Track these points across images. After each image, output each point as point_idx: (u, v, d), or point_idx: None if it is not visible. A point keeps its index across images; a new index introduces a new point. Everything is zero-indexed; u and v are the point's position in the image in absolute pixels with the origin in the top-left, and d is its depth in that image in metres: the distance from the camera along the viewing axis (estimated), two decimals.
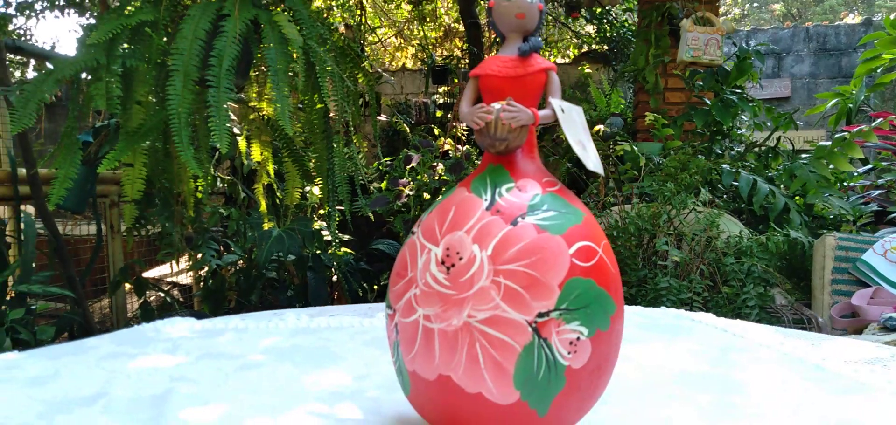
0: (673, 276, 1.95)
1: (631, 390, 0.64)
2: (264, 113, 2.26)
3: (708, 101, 2.83)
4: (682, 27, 2.65)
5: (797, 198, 2.42)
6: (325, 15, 1.99)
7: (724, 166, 2.49)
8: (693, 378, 0.68)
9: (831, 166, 2.48)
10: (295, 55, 1.62)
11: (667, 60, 2.94)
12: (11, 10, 1.76)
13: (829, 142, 2.54)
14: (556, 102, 0.52)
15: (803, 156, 2.62)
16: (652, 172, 2.41)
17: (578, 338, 0.45)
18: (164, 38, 1.68)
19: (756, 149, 2.84)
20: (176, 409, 0.55)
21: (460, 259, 0.46)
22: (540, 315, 0.44)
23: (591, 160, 0.52)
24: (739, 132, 2.99)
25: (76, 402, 0.56)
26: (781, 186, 2.50)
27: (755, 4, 11.99)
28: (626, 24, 4.56)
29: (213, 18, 1.61)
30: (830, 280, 1.93)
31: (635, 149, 2.45)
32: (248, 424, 0.54)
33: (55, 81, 1.57)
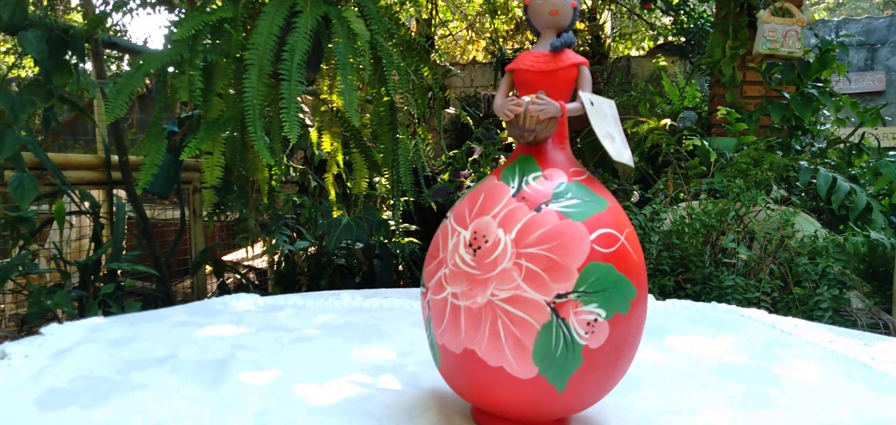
0: (740, 275, 1.90)
1: (664, 377, 0.66)
2: (334, 105, 2.34)
3: (787, 95, 2.72)
4: (758, 18, 2.56)
5: (882, 198, 2.29)
6: (394, 10, 2.04)
7: (801, 163, 2.39)
8: (730, 369, 0.68)
9: None
10: (362, 50, 1.68)
11: (744, 53, 2.84)
12: (109, 8, 1.91)
13: None
14: (586, 96, 0.54)
15: (891, 153, 2.48)
16: (723, 168, 2.35)
17: (596, 320, 0.47)
18: (243, 34, 1.77)
19: (839, 145, 2.71)
20: (235, 372, 0.61)
21: (486, 241, 0.49)
22: (559, 296, 0.46)
23: (622, 153, 0.54)
24: (821, 128, 2.85)
25: (150, 362, 0.63)
26: (865, 185, 2.38)
27: None
28: (705, 15, 4.41)
29: (286, 15, 1.69)
30: None
31: (705, 143, 2.39)
32: (297, 389, 0.59)
33: (143, 75, 1.68)
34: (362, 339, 0.75)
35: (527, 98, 0.53)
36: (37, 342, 0.66)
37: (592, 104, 0.54)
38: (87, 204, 2.18)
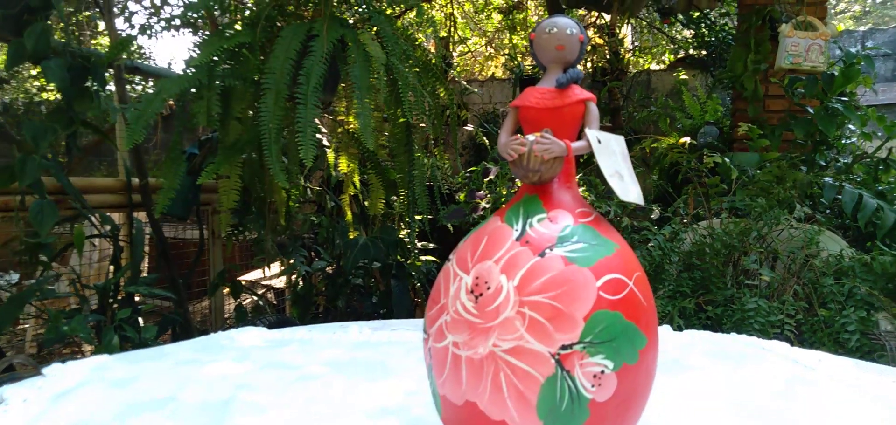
0: (763, 297, 1.85)
1: (677, 421, 0.63)
2: (351, 127, 2.35)
3: (811, 110, 2.66)
4: (780, 32, 2.51)
5: None
6: (411, 32, 2.04)
7: (826, 179, 2.33)
8: (746, 410, 0.65)
9: None
10: (377, 73, 1.68)
11: (766, 67, 2.79)
12: (134, 32, 1.93)
13: None
14: (592, 133, 0.52)
15: None
16: (744, 185, 2.30)
17: (603, 372, 0.45)
18: (261, 57, 1.78)
19: (865, 160, 2.64)
20: (235, 415, 0.60)
21: (488, 288, 0.47)
22: (563, 347, 0.44)
23: (630, 192, 0.51)
24: (846, 142, 2.78)
25: (149, 405, 0.62)
26: (894, 202, 2.31)
27: (880, 0, 11.02)
28: (726, 28, 4.35)
29: (303, 39, 1.70)
30: None
31: (727, 160, 2.35)
32: None
33: (162, 101, 1.69)
34: (368, 377, 0.73)
35: (531, 137, 0.51)
36: (37, 383, 0.66)
37: (600, 142, 0.51)
38: (107, 227, 2.20)
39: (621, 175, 0.52)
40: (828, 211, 2.38)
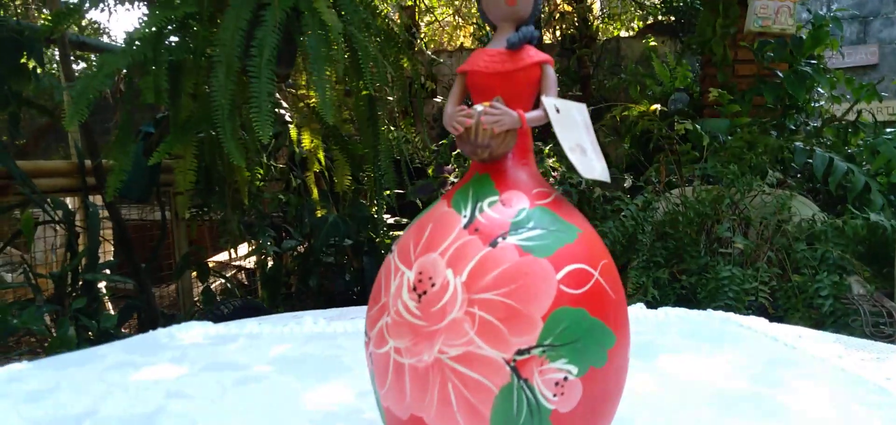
0: (737, 265, 1.82)
1: (654, 411, 0.58)
2: (312, 101, 2.26)
3: (780, 74, 2.63)
4: None
5: (880, 177, 2.22)
6: None
7: (796, 144, 2.31)
8: (727, 398, 0.60)
9: None
10: (336, 43, 1.60)
11: (735, 31, 2.75)
12: (72, 3, 1.81)
13: None
14: (550, 101, 0.45)
15: (888, 130, 2.40)
16: (716, 152, 2.27)
17: (566, 378, 0.39)
18: (214, 29, 1.68)
19: (834, 123, 2.63)
20: None
21: (433, 285, 0.40)
22: (519, 352, 0.38)
23: (594, 168, 0.45)
24: (816, 106, 2.77)
25: (62, 421, 0.55)
26: (863, 164, 2.30)
27: None
28: None
29: (254, 8, 1.60)
30: None
31: (698, 127, 2.31)
32: None
33: (105, 76, 1.59)
34: (319, 376, 0.67)
35: (479, 107, 0.44)
36: None
37: (558, 111, 0.45)
38: (60, 212, 2.09)
39: (584, 148, 0.45)
40: (799, 175, 2.36)
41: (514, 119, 0.43)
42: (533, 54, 0.46)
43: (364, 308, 0.47)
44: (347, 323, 0.84)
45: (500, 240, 0.41)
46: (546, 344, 0.38)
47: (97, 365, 0.69)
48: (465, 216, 0.43)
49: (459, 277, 0.40)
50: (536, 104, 0.46)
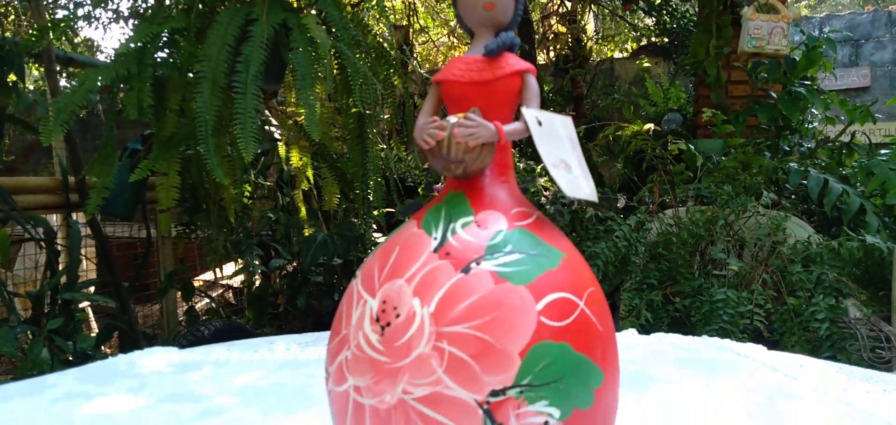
0: (731, 287, 1.79)
1: None
2: (301, 118, 2.22)
3: (774, 94, 2.62)
4: (742, 15, 2.46)
5: (875, 198, 2.19)
6: (361, 16, 1.92)
7: (791, 164, 2.29)
8: None
9: None
10: (325, 60, 1.57)
11: (729, 52, 2.74)
12: (79, 21, 1.77)
13: None
14: (531, 113, 0.41)
15: (882, 151, 2.38)
16: (710, 172, 2.24)
17: (547, 423, 0.35)
18: (200, 45, 1.65)
19: (828, 145, 2.61)
20: None
21: (397, 316, 0.36)
22: (494, 393, 0.34)
23: (580, 187, 0.41)
24: (810, 127, 2.75)
25: None
26: (857, 186, 2.28)
27: None
28: (687, 15, 4.32)
29: (241, 23, 1.58)
30: None
31: (691, 147, 2.28)
32: None
33: (86, 92, 1.56)
34: (286, 409, 0.62)
35: (452, 118, 0.40)
36: None
37: (541, 124, 0.41)
38: (40, 230, 2.04)
39: (569, 165, 0.41)
40: (793, 196, 2.34)
41: (491, 132, 0.39)
42: (513, 63, 0.42)
43: None
44: (322, 349, 0.79)
45: (473, 265, 0.37)
46: (524, 384, 0.34)
47: (45, 396, 0.64)
48: (435, 238, 0.39)
49: (427, 307, 0.35)
50: (517, 116, 0.42)
